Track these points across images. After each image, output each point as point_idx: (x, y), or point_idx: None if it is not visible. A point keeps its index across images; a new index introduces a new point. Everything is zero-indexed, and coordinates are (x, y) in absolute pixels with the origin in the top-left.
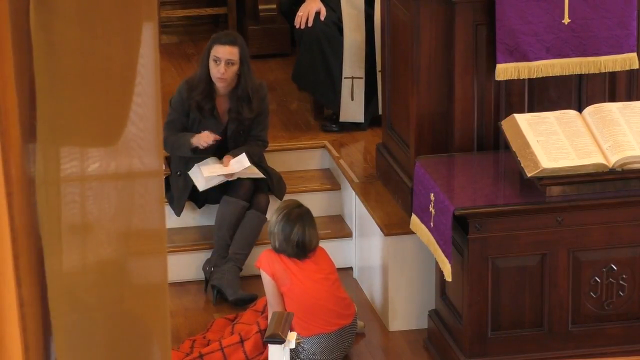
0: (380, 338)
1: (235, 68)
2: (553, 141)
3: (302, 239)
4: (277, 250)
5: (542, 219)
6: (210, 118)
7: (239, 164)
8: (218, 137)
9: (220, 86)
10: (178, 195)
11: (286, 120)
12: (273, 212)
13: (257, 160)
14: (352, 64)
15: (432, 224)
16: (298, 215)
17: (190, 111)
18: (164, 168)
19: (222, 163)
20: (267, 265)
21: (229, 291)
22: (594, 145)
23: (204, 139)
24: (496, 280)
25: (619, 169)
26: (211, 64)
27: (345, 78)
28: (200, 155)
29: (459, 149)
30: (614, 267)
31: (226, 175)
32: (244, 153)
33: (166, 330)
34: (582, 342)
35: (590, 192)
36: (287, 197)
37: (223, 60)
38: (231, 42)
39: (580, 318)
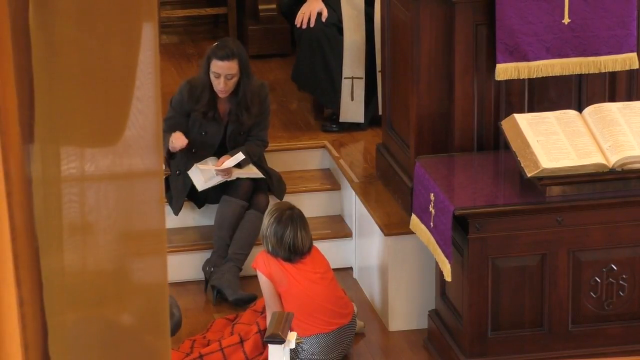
0: (380, 338)
1: (235, 80)
2: (553, 141)
3: (294, 242)
4: (271, 254)
5: (542, 219)
6: (212, 120)
7: (233, 160)
8: (186, 142)
9: (222, 96)
10: (177, 195)
11: (286, 120)
12: (265, 216)
13: (257, 160)
14: (352, 64)
15: (432, 224)
16: (289, 217)
17: (192, 114)
18: (164, 168)
19: None
20: (263, 266)
21: (228, 291)
22: (594, 145)
23: (176, 142)
24: (496, 280)
25: (619, 169)
26: (212, 76)
27: (345, 78)
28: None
29: (459, 149)
30: (614, 267)
31: (224, 175)
32: (240, 152)
33: (165, 329)
34: (582, 342)
35: (590, 192)
36: (287, 197)
37: (222, 75)
38: (229, 57)
39: (580, 318)
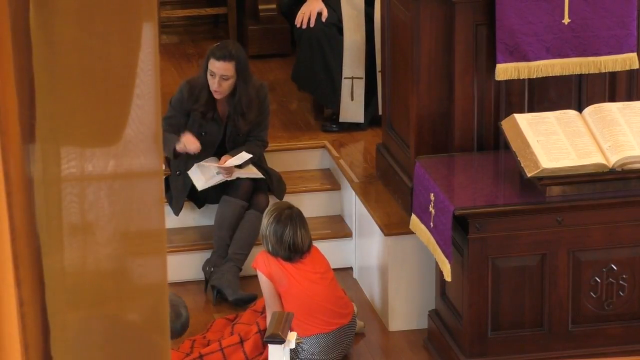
0: (380, 338)
1: (230, 82)
2: (553, 141)
3: (293, 241)
4: (271, 254)
5: (542, 219)
6: (211, 121)
7: (238, 159)
8: (199, 147)
9: (217, 97)
10: (177, 195)
11: (286, 120)
12: (264, 216)
13: (256, 160)
14: (352, 64)
15: (432, 224)
16: (288, 216)
17: (192, 114)
18: (164, 168)
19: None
20: (263, 266)
21: (228, 291)
22: (594, 145)
23: (190, 146)
24: (496, 280)
25: (619, 169)
26: (208, 75)
27: (345, 78)
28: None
29: (459, 149)
30: (614, 267)
31: (225, 174)
32: (244, 151)
33: (165, 330)
34: (582, 342)
35: (590, 192)
36: (287, 197)
37: (217, 75)
38: (225, 58)
39: (580, 318)
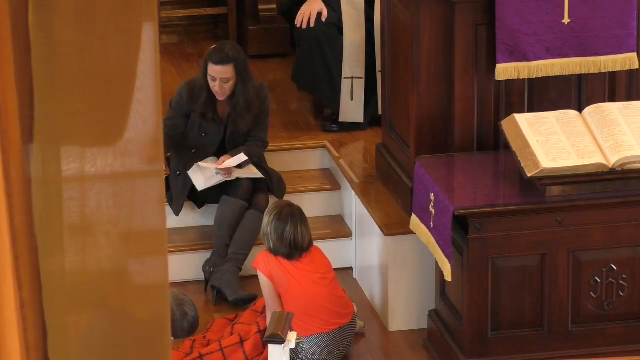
0: (380, 338)
1: (232, 83)
2: (553, 141)
3: (294, 237)
4: (272, 252)
5: (542, 219)
6: (211, 122)
7: (235, 160)
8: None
9: (219, 98)
10: (177, 195)
11: (286, 120)
12: (265, 214)
13: (256, 161)
14: (352, 64)
15: (432, 224)
16: (289, 214)
17: (192, 115)
18: (164, 168)
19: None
20: (263, 266)
21: (228, 291)
22: (594, 145)
23: None
24: (496, 280)
25: (619, 169)
26: (209, 79)
27: (345, 78)
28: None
29: (459, 149)
30: (614, 267)
31: (225, 174)
32: (242, 153)
33: (166, 330)
34: (582, 342)
35: (590, 192)
36: (287, 197)
37: (218, 79)
38: (224, 61)
39: (580, 318)
